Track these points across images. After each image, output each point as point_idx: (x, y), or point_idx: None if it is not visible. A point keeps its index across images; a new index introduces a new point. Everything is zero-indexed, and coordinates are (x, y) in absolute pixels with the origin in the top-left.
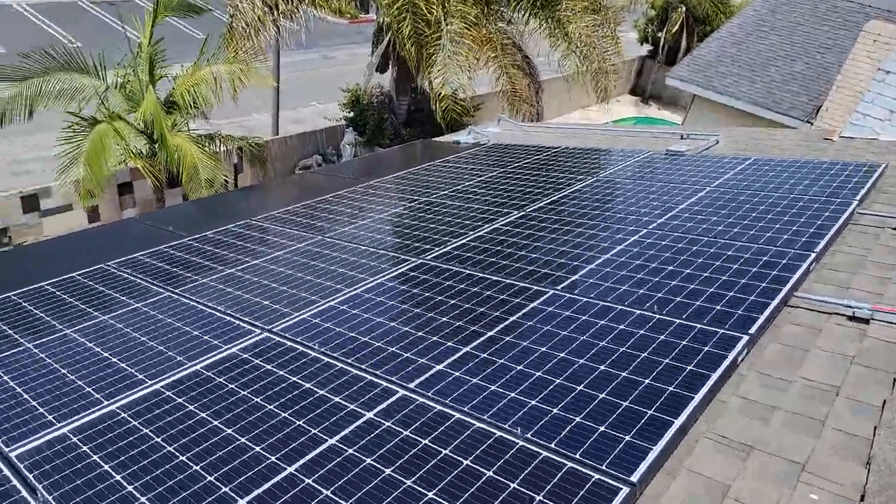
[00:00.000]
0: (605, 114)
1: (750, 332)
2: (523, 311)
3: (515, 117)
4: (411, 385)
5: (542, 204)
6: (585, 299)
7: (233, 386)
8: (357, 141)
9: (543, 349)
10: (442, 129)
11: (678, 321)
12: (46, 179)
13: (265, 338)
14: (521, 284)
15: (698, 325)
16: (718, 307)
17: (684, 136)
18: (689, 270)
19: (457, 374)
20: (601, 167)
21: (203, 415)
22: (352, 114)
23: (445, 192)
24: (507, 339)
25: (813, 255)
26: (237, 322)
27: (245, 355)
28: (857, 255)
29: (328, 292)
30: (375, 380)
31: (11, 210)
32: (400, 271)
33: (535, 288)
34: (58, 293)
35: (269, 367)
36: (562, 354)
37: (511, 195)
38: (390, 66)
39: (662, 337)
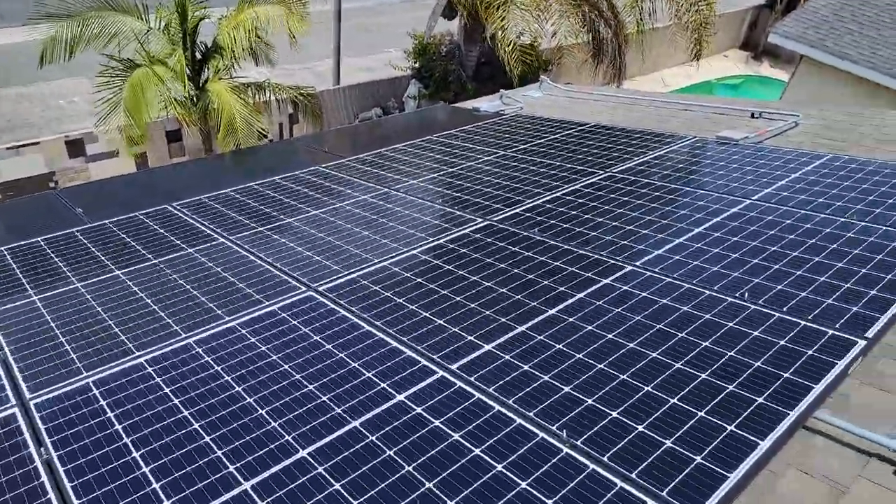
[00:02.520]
0: (707, 71)
1: None
2: None
3: (595, 73)
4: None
5: (514, 211)
6: None
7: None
8: (421, 93)
9: None
10: (513, 83)
11: None
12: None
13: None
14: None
15: None
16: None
17: (755, 115)
18: (601, 364)
19: None
20: (620, 159)
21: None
22: (417, 64)
23: (397, 187)
24: None
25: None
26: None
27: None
28: None
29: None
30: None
31: (58, 154)
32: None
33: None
34: None
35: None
36: None
37: (483, 194)
38: (459, 12)
39: None
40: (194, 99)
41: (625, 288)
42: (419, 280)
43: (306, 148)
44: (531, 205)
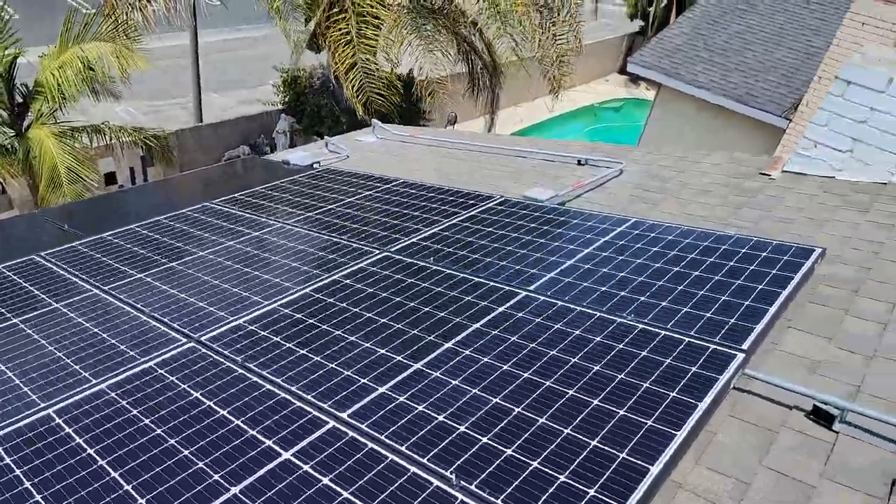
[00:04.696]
0: (591, 95)
1: None
2: None
3: (475, 104)
4: None
5: (227, 325)
6: None
7: None
8: (293, 128)
9: None
10: (393, 116)
11: None
12: None
13: None
14: None
15: None
16: None
17: (582, 162)
18: None
19: None
20: (407, 230)
21: None
22: (287, 98)
23: (109, 286)
24: None
25: None
26: None
27: None
28: None
29: None
30: None
31: None
32: None
33: None
34: None
35: None
36: None
37: (207, 296)
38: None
39: None
40: (13, 147)
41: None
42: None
43: (46, 223)
44: (256, 314)
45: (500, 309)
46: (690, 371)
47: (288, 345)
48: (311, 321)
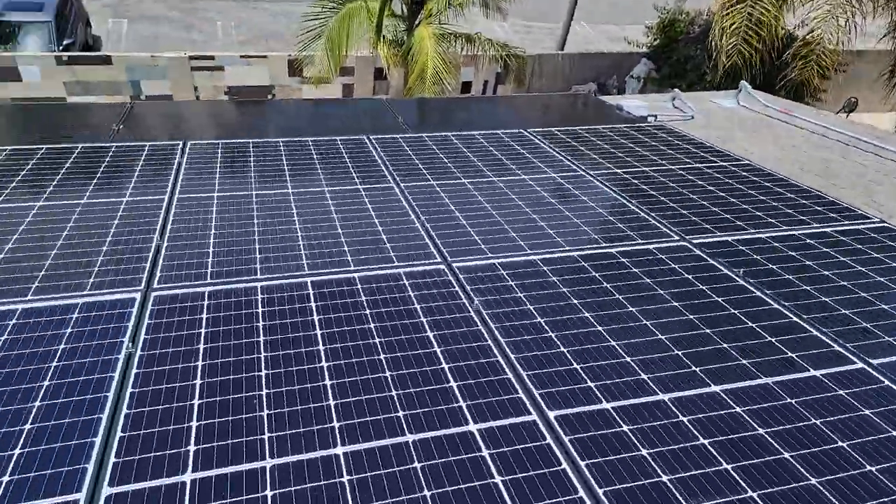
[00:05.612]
0: None
1: None
2: None
3: (888, 93)
4: None
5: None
6: None
7: None
8: (649, 75)
9: None
10: (758, 80)
11: None
12: None
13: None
14: None
15: None
16: None
17: None
18: None
19: None
20: (723, 224)
21: None
22: (657, 42)
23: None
24: None
25: None
26: None
27: None
28: None
29: None
30: None
31: (280, 71)
32: None
33: None
34: None
35: None
36: None
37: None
38: None
39: None
40: (401, 41)
41: None
42: None
43: (388, 111)
44: (512, 259)
45: (813, 373)
46: None
47: (526, 307)
48: (562, 289)
